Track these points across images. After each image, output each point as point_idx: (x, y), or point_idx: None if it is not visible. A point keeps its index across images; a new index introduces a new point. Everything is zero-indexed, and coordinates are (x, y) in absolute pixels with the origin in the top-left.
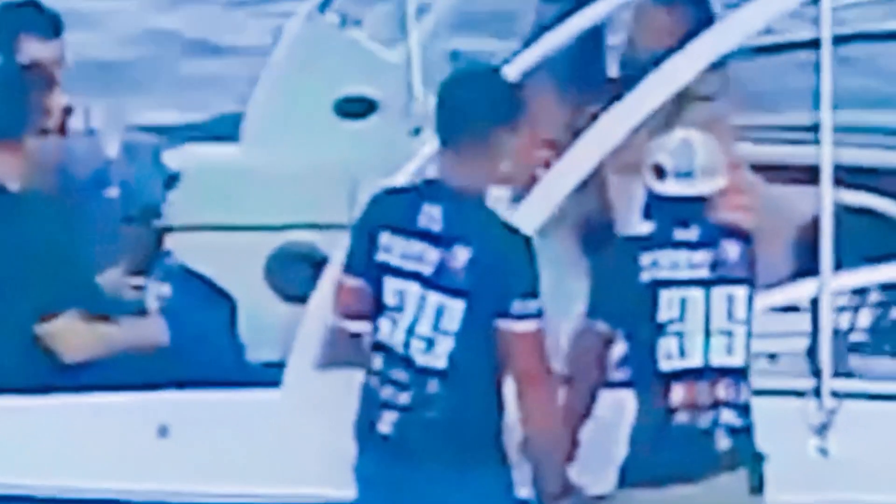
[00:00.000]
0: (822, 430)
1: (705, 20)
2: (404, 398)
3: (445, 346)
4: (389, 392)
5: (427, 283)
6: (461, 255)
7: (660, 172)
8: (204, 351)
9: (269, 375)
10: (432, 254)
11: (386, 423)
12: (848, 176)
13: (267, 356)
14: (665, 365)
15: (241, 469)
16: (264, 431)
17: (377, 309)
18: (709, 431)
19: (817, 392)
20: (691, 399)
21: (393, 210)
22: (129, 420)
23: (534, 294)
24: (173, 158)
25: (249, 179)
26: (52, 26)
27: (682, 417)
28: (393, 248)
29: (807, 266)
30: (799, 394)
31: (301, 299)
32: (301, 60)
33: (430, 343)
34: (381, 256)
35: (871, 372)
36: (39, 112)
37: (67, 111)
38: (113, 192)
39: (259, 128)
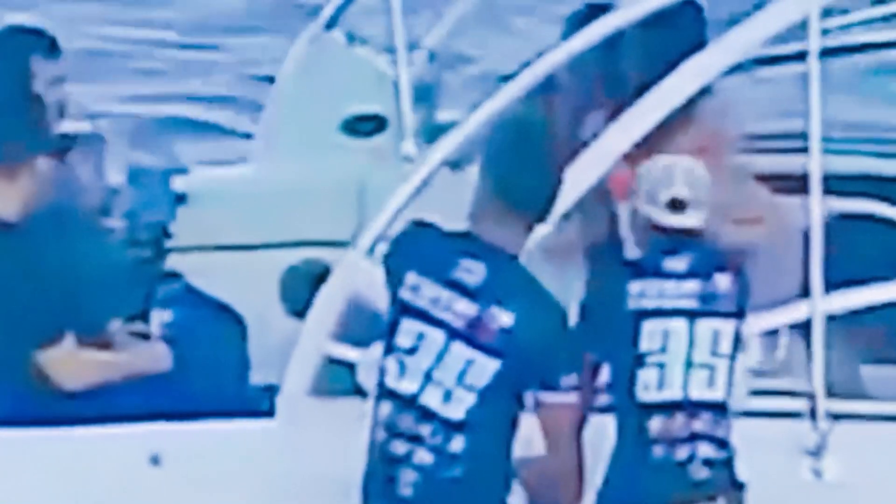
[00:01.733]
0: (816, 451)
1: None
2: (424, 457)
3: (465, 400)
4: (403, 447)
5: (456, 334)
6: (502, 318)
7: (653, 201)
8: (210, 375)
9: (272, 399)
10: (465, 307)
11: (405, 483)
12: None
13: (274, 378)
14: (643, 396)
15: (235, 499)
16: (258, 461)
17: (386, 348)
18: (685, 463)
19: (813, 413)
20: (668, 431)
21: (424, 252)
22: (121, 449)
23: (574, 366)
24: (182, 180)
25: (258, 199)
26: (55, 47)
27: (658, 450)
28: (420, 290)
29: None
30: (794, 415)
31: None
32: (308, 79)
33: (448, 394)
34: (403, 295)
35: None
36: (49, 137)
37: (70, 138)
38: (116, 222)
39: (268, 147)
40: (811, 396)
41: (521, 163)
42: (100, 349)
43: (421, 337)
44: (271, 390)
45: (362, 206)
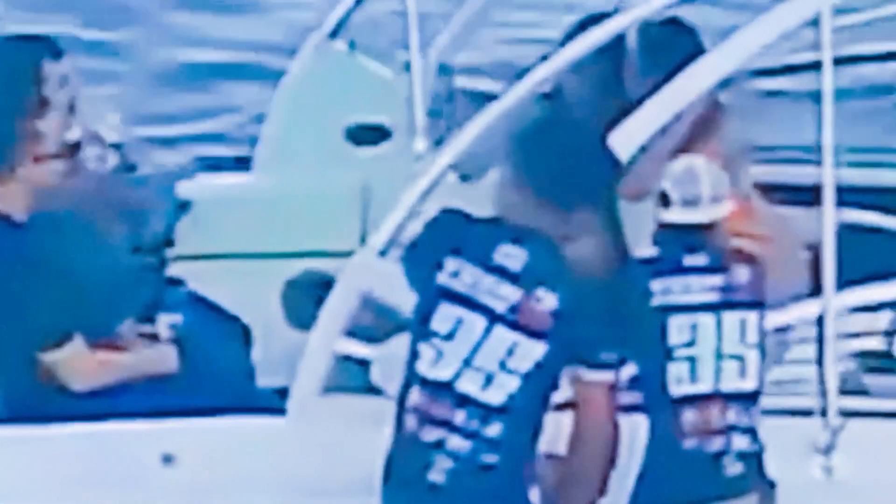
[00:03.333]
0: (827, 449)
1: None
2: (460, 443)
3: (508, 384)
4: (437, 434)
5: (499, 319)
6: (547, 300)
7: (665, 200)
8: (215, 378)
9: (280, 402)
10: (508, 291)
11: (438, 470)
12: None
13: (280, 383)
14: (675, 390)
15: (247, 498)
16: (270, 459)
17: (419, 333)
18: (719, 456)
19: (824, 411)
20: (702, 424)
21: (460, 238)
22: (133, 448)
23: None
24: (186, 187)
25: (261, 207)
26: (59, 49)
27: (692, 442)
28: (461, 275)
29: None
30: (805, 413)
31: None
32: (312, 88)
33: (490, 379)
34: (441, 280)
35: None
36: (28, 138)
37: (76, 145)
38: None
39: (272, 156)
40: (823, 394)
41: (550, 151)
42: (110, 350)
43: (459, 322)
44: (281, 393)
45: (366, 216)
